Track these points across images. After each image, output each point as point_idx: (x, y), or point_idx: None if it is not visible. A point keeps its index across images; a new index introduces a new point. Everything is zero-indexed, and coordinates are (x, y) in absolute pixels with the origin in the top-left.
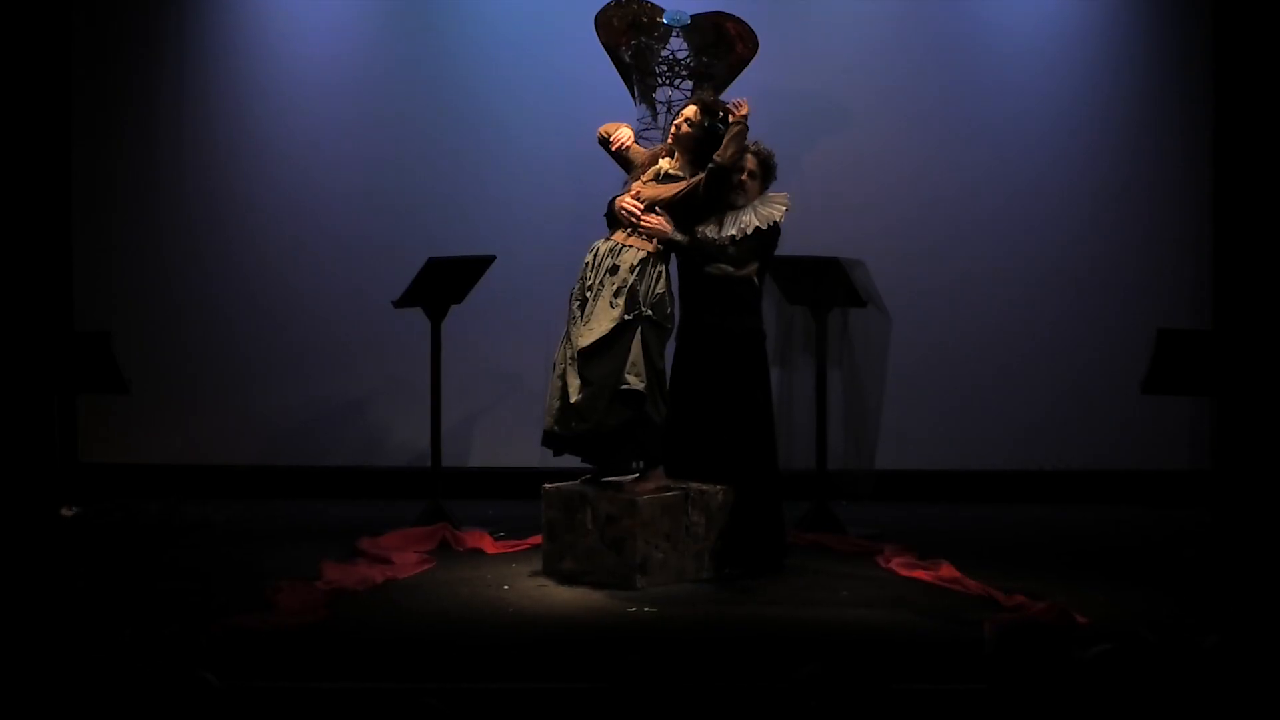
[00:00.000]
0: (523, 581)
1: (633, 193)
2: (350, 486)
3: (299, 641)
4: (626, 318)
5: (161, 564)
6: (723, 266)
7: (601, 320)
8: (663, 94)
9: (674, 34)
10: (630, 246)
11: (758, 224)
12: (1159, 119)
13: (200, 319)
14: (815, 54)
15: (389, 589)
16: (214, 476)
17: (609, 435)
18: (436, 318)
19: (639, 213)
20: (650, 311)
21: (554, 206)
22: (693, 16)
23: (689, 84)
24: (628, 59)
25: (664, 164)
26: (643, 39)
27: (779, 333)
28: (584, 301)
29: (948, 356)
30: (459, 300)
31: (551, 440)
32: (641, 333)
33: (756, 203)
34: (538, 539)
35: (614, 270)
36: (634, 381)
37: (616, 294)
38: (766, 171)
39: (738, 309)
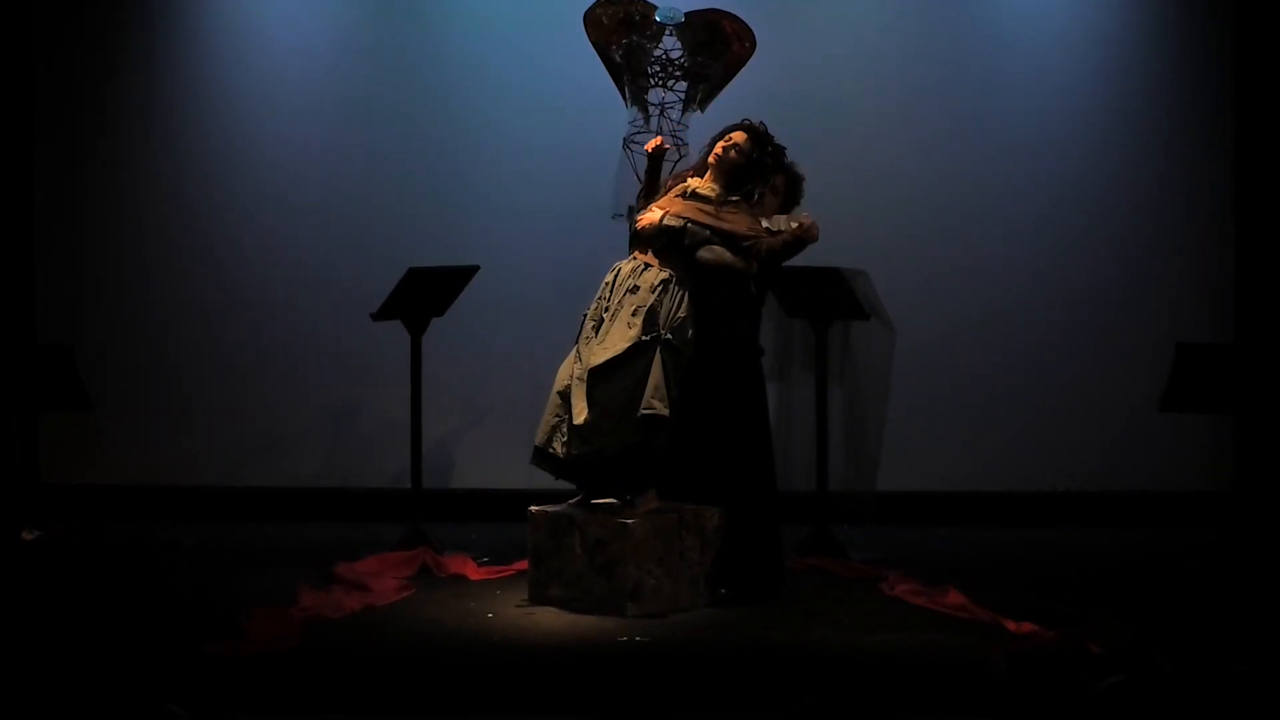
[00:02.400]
0: (508, 609)
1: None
2: (326, 509)
3: (272, 671)
4: (644, 338)
5: (128, 589)
6: (715, 248)
7: (617, 340)
8: (655, 95)
9: (667, 32)
10: (652, 266)
11: (767, 224)
12: (1178, 124)
13: (169, 332)
14: (816, 53)
15: (367, 617)
16: (183, 498)
17: (611, 460)
18: (417, 331)
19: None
20: (670, 335)
21: (541, 214)
22: (687, 14)
23: (683, 85)
24: (619, 59)
25: (692, 182)
26: (634, 37)
27: (777, 347)
28: (600, 322)
29: (955, 371)
30: (440, 313)
31: (545, 460)
32: (661, 356)
33: (778, 217)
34: (523, 564)
35: (634, 290)
36: (659, 406)
37: (635, 313)
38: (792, 190)
39: (730, 315)
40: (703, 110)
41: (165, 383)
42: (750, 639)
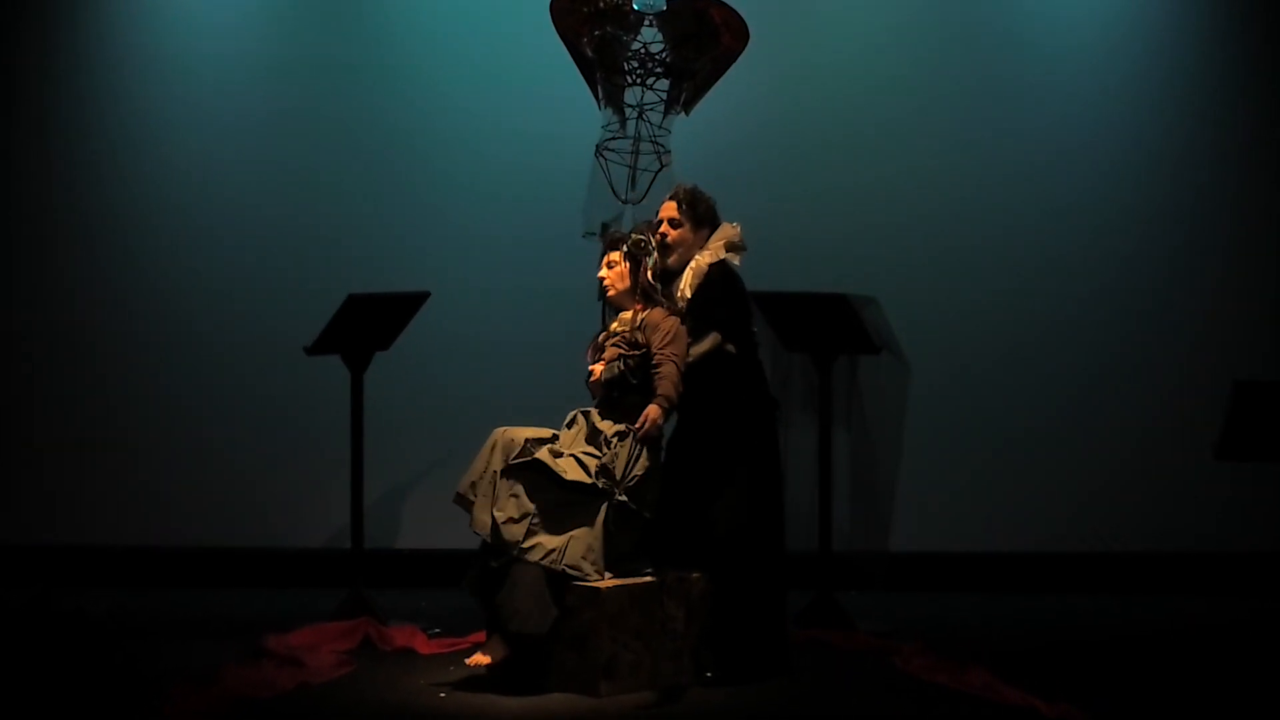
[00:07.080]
0: (462, 688)
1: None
2: (254, 572)
3: None
4: (599, 484)
5: (26, 666)
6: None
7: (570, 467)
8: (633, 96)
9: (646, 22)
10: (607, 420)
11: (691, 269)
12: (1231, 133)
13: (69, 368)
14: (818, 50)
15: (301, 696)
16: (89, 559)
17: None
18: (358, 367)
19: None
20: (624, 496)
21: (500, 232)
22: (669, 1)
23: (665, 83)
24: (590, 53)
25: (612, 326)
26: (608, 29)
27: (774, 385)
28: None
29: (978, 414)
30: (385, 346)
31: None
32: (607, 515)
33: (696, 255)
34: (480, 636)
35: (593, 435)
36: (588, 570)
37: (588, 453)
38: (695, 208)
39: (726, 386)
40: (688, 113)
41: (66, 427)
42: None
